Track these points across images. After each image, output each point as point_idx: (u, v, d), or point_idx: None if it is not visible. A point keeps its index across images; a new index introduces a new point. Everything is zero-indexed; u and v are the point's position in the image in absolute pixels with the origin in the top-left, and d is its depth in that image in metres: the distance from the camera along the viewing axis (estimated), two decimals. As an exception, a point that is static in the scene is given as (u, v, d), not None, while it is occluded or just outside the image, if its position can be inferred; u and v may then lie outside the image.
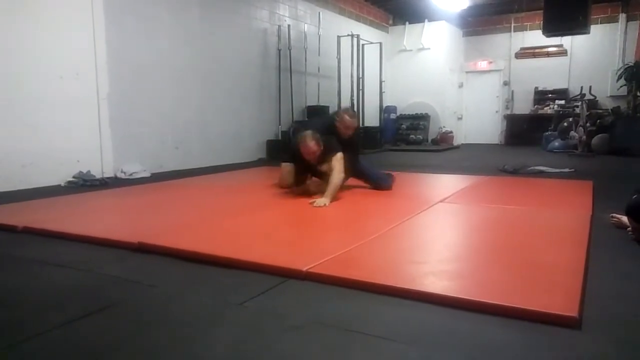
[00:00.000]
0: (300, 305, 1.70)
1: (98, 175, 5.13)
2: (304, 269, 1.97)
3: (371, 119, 10.23)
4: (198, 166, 6.44)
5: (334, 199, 3.64)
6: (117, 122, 5.48)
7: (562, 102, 10.95)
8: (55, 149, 4.85)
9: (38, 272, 2.16)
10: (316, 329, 1.51)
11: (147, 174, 5.51)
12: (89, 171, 5.06)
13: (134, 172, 5.41)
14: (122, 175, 5.36)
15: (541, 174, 5.65)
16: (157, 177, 5.35)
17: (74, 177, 4.91)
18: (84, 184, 4.78)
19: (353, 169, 4.13)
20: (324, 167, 3.81)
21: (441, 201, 3.68)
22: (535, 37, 10.87)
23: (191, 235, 2.63)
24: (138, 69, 5.74)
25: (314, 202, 3.52)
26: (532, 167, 5.99)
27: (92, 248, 2.47)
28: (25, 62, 4.62)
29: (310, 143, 3.68)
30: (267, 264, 2.06)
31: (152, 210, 3.52)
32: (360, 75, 9.48)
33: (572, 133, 9.05)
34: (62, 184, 4.83)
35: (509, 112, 12.12)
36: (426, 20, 11.47)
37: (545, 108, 11.43)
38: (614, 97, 10.42)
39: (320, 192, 3.71)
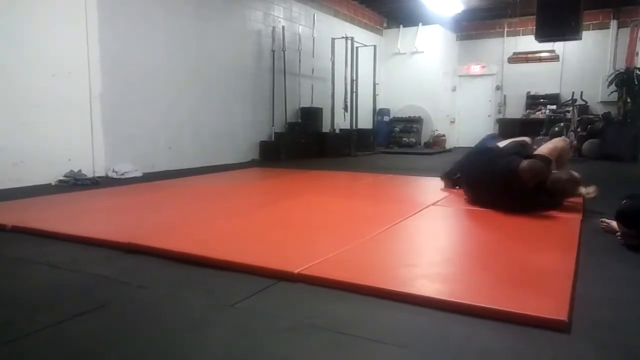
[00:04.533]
0: (292, 307, 1.70)
1: (89, 175, 5.10)
2: (296, 271, 1.97)
3: (364, 121, 10.25)
4: (190, 166, 6.42)
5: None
6: (109, 121, 5.45)
7: (554, 107, 11.02)
8: (46, 148, 4.81)
9: (27, 271, 2.13)
10: (307, 331, 1.51)
11: (138, 174, 5.48)
12: (80, 170, 5.02)
13: (125, 172, 5.38)
14: (114, 175, 5.32)
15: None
16: (149, 177, 5.33)
17: (65, 176, 4.87)
18: (75, 183, 4.74)
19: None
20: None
21: (433, 204, 3.69)
22: (527, 42, 10.94)
23: (182, 236, 2.62)
24: (131, 69, 5.71)
25: (587, 193, 3.40)
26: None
27: (82, 248, 2.45)
28: (17, 60, 4.58)
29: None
30: (258, 265, 2.05)
31: (142, 210, 3.50)
32: (354, 78, 9.50)
33: (564, 138, 9.12)
34: (53, 182, 4.79)
35: (501, 116, 12.19)
36: (420, 24, 11.52)
37: (537, 113, 11.50)
38: (604, 103, 10.53)
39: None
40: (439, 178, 4.59)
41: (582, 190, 3.43)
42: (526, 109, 11.81)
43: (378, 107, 11.07)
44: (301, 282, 1.93)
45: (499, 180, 3.37)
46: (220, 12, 7.05)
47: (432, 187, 4.60)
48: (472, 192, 3.73)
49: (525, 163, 3.32)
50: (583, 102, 9.62)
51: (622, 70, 9.56)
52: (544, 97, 11.55)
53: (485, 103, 12.47)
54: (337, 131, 9.39)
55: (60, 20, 4.94)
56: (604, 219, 2.87)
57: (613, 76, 9.60)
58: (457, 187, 4.25)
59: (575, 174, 3.47)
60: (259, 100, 7.94)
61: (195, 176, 5.48)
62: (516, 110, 11.95)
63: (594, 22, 10.78)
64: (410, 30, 11.80)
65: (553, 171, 3.45)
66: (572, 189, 3.39)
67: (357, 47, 9.62)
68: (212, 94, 6.99)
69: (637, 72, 8.97)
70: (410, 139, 11.41)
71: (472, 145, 12.51)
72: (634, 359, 1.38)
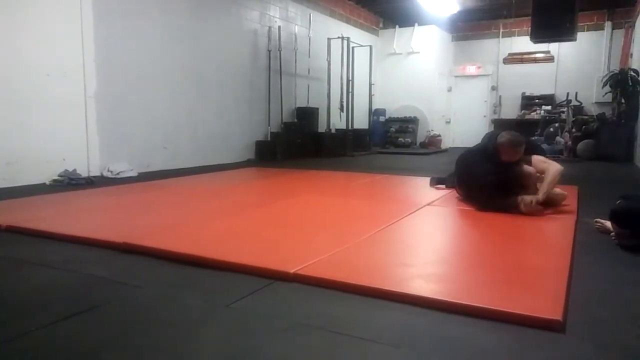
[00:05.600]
0: (288, 307, 1.70)
1: (84, 174, 5.07)
2: (292, 270, 1.97)
3: (360, 121, 10.26)
4: (186, 166, 6.41)
5: (547, 196, 3.29)
6: (104, 120, 5.42)
7: (549, 107, 11.08)
8: (41, 147, 4.79)
9: (22, 272, 2.12)
10: (303, 331, 1.51)
11: (134, 174, 5.46)
12: (74, 170, 5.00)
13: (120, 172, 5.36)
14: (109, 175, 5.30)
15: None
16: (144, 177, 5.31)
17: (59, 175, 4.84)
18: (69, 183, 4.72)
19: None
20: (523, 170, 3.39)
21: (428, 204, 3.70)
22: (523, 43, 10.98)
23: (178, 236, 2.61)
24: (127, 69, 5.69)
25: (521, 199, 3.24)
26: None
27: (77, 248, 2.44)
28: (11, 59, 4.56)
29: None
30: (254, 265, 2.05)
31: (138, 210, 3.49)
32: (350, 78, 9.50)
33: (558, 138, 9.16)
34: (48, 182, 4.76)
35: (496, 116, 12.23)
36: (416, 24, 11.55)
37: (532, 113, 11.55)
38: (599, 104, 10.57)
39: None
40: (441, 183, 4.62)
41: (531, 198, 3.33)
42: (521, 110, 11.86)
43: (374, 107, 11.07)
44: (297, 282, 1.93)
45: (479, 164, 3.47)
46: (216, 12, 7.04)
47: (428, 187, 4.61)
48: (462, 189, 3.80)
49: (504, 136, 3.41)
50: (578, 103, 9.67)
51: (616, 71, 9.60)
52: (539, 97, 11.60)
53: (481, 103, 12.51)
54: (333, 131, 9.39)
55: (55, 20, 4.91)
56: (598, 219, 2.88)
57: (607, 77, 9.64)
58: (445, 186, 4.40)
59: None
60: (255, 100, 7.93)
61: (191, 176, 5.47)
62: (511, 111, 12.00)
63: (588, 23, 10.83)
64: (406, 30, 11.82)
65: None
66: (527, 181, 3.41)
67: (353, 47, 9.63)
68: (208, 94, 6.97)
69: (632, 73, 9.00)
70: (406, 139, 11.43)
71: (468, 145, 12.58)
72: (628, 358, 1.39)
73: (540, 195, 3.25)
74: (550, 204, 3.41)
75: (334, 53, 9.37)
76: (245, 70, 7.72)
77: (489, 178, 3.37)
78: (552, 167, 3.37)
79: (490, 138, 3.66)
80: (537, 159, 3.48)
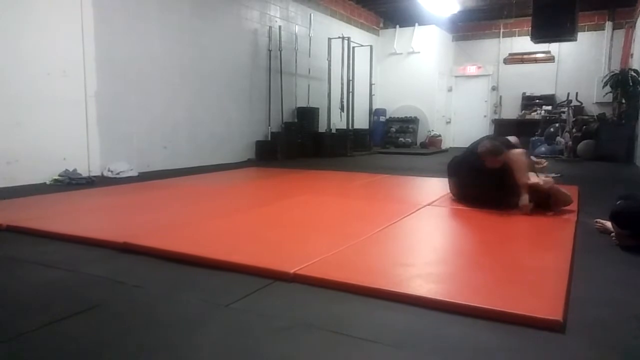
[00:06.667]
0: (288, 307, 1.70)
1: (84, 174, 5.08)
2: (292, 270, 1.97)
3: (361, 121, 10.26)
4: (186, 166, 6.41)
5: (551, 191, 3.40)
6: (104, 120, 5.43)
7: (549, 107, 11.07)
8: (41, 147, 4.79)
9: (21, 271, 2.12)
10: (303, 331, 1.51)
11: (134, 173, 5.46)
12: (75, 169, 5.00)
13: (121, 171, 5.36)
14: (109, 174, 5.31)
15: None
16: (145, 177, 5.31)
17: (59, 175, 4.85)
18: (70, 183, 4.73)
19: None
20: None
21: (428, 204, 3.70)
22: (523, 43, 10.99)
23: (177, 235, 2.61)
24: (127, 68, 5.69)
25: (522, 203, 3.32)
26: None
27: (77, 247, 2.44)
28: (12, 59, 4.56)
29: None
30: (254, 265, 2.05)
31: (138, 210, 3.49)
32: (351, 78, 9.51)
33: (559, 138, 9.16)
34: (48, 182, 4.77)
35: (497, 116, 12.23)
36: (416, 24, 11.55)
37: (533, 113, 11.55)
38: (599, 104, 10.58)
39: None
40: None
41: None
42: (522, 110, 11.86)
43: (374, 107, 11.08)
44: (297, 282, 1.93)
45: (472, 169, 3.56)
46: (216, 11, 7.04)
47: (428, 188, 4.61)
48: (458, 189, 3.86)
49: (484, 145, 3.52)
50: (578, 103, 9.66)
51: (617, 72, 9.60)
52: (540, 97, 11.60)
53: (481, 103, 12.51)
54: (334, 131, 9.39)
55: (56, 19, 4.91)
56: (598, 220, 2.88)
57: (608, 77, 9.63)
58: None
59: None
60: (256, 99, 7.93)
61: (191, 176, 5.47)
62: (512, 111, 12.00)
63: (589, 23, 10.83)
64: (407, 30, 11.83)
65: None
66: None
67: (353, 47, 9.62)
68: (208, 93, 6.98)
69: (632, 73, 9.00)
70: (406, 139, 11.43)
71: (468, 145, 12.52)
72: (628, 358, 1.39)
73: (524, 198, 3.32)
74: (554, 204, 3.43)
75: (335, 53, 9.37)
76: (246, 70, 7.72)
77: (484, 181, 3.47)
78: (513, 158, 3.42)
79: (475, 147, 3.75)
80: (512, 153, 3.52)
